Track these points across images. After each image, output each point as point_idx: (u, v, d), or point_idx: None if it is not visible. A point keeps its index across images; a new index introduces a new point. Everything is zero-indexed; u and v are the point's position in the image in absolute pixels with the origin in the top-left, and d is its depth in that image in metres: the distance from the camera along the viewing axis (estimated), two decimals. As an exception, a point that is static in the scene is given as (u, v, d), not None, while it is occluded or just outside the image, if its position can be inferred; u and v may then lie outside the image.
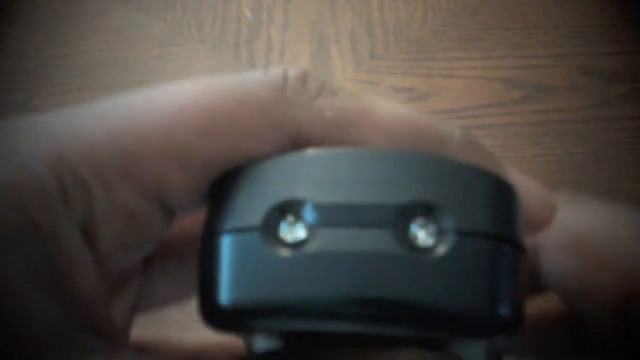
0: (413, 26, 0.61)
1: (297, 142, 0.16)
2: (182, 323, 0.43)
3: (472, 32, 0.60)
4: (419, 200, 0.14)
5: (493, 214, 0.15)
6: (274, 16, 0.63)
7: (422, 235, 0.14)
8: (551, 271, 0.18)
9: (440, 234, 0.14)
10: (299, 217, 0.14)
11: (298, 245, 0.14)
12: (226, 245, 0.15)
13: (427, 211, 0.14)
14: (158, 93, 0.16)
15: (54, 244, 0.15)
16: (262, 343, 0.17)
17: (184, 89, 0.16)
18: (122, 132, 0.15)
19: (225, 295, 0.14)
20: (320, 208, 0.14)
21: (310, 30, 0.62)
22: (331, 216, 0.14)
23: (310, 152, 0.15)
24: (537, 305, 0.20)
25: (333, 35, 0.62)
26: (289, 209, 0.14)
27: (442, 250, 0.14)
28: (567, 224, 0.18)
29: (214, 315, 0.15)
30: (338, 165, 0.15)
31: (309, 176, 0.15)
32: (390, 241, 0.14)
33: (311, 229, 0.14)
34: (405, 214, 0.14)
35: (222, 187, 0.15)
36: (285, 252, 0.14)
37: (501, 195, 0.15)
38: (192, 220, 0.19)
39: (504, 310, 0.15)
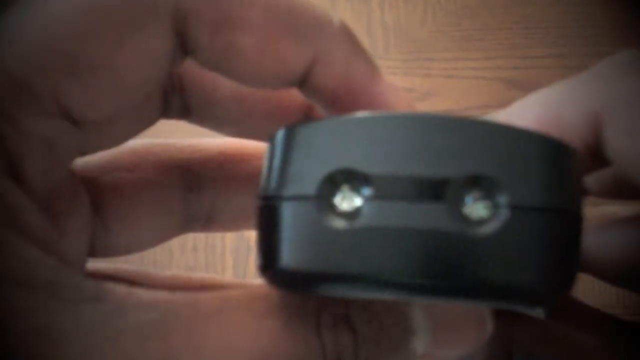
0: (413, 26, 0.61)
1: (183, 32, 0.16)
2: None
3: (472, 32, 0.60)
4: (474, 173, 0.14)
5: (548, 185, 0.15)
6: (273, 16, 0.63)
7: (476, 209, 0.14)
8: (616, 150, 0.17)
9: (494, 209, 0.14)
10: (353, 188, 0.15)
11: (352, 216, 0.14)
12: (283, 212, 0.15)
13: (482, 184, 0.14)
14: (32, 9, 0.15)
15: None
16: None
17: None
18: (5, 57, 0.15)
19: (282, 261, 0.15)
20: (374, 179, 0.14)
21: (309, 30, 0.62)
22: (386, 188, 0.14)
23: (364, 115, 0.15)
24: None
25: (333, 35, 0.61)
26: (343, 178, 0.15)
27: (496, 224, 0.14)
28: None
29: (272, 275, 0.16)
30: (392, 131, 0.15)
31: (363, 143, 0.15)
32: (445, 216, 0.14)
33: (365, 200, 0.15)
34: (460, 188, 0.14)
35: (279, 146, 0.16)
36: (339, 224, 0.14)
37: (557, 161, 0.15)
38: (142, 168, 0.19)
39: (557, 280, 0.15)
